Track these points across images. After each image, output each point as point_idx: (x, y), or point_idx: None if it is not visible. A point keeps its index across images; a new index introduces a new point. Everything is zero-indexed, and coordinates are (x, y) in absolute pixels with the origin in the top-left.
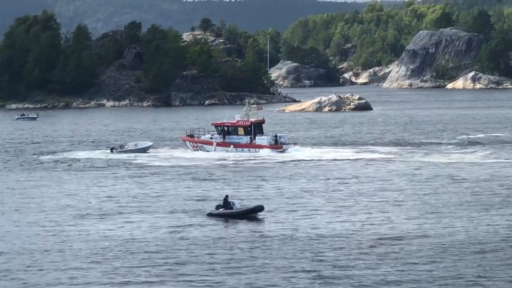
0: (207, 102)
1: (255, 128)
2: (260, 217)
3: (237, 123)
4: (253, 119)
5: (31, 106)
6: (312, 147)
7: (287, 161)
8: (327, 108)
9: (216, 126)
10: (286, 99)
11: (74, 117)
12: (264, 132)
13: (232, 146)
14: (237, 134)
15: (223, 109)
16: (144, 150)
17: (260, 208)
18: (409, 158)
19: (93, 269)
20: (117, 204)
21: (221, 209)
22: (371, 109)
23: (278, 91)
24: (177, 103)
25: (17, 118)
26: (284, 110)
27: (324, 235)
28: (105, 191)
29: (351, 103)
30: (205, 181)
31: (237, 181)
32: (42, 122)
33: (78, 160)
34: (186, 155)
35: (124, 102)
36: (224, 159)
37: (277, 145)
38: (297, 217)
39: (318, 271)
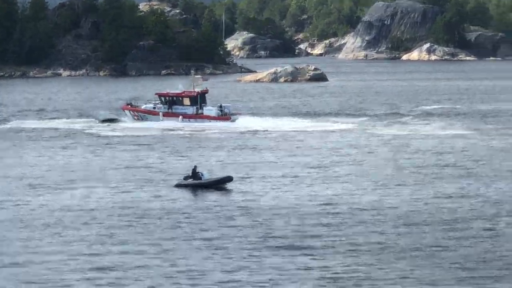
0: (163, 72)
1: (201, 99)
2: (228, 187)
3: (183, 94)
4: (198, 90)
5: None
6: (266, 118)
7: (243, 131)
8: (282, 79)
9: (161, 96)
10: (242, 69)
11: (32, 86)
12: (207, 102)
13: (181, 117)
14: (183, 105)
15: (180, 79)
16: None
17: (229, 179)
18: (364, 129)
19: (53, 240)
20: (78, 175)
21: (189, 180)
22: (326, 80)
23: (234, 62)
24: (134, 73)
25: None
26: (240, 80)
27: (288, 205)
28: (64, 162)
29: (307, 74)
30: (165, 152)
31: (198, 152)
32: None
33: (35, 129)
34: (142, 125)
35: (81, 72)
36: (179, 130)
37: (224, 115)
38: (264, 187)
39: (283, 240)
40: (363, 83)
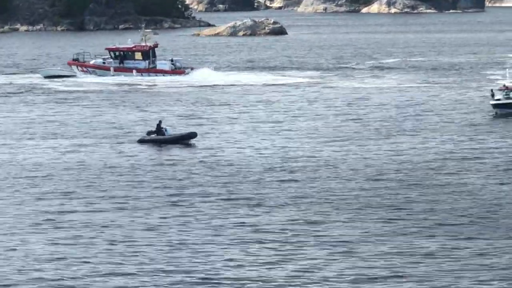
0: (121, 26)
1: (152, 53)
2: (192, 143)
3: (134, 48)
4: (150, 44)
5: None
6: (224, 72)
7: (201, 85)
8: (241, 33)
9: (111, 50)
10: (201, 23)
11: None
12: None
13: (135, 71)
14: (134, 59)
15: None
16: None
17: (193, 135)
18: (322, 82)
19: (10, 197)
20: (36, 131)
21: (153, 135)
22: (286, 33)
23: (193, 16)
24: (91, 28)
25: None
26: (199, 34)
27: (250, 161)
28: (20, 118)
29: (266, 28)
30: (124, 108)
31: (158, 107)
32: None
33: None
34: (94, 80)
35: (38, 27)
36: (134, 84)
37: (177, 69)
38: (227, 143)
39: (244, 196)
40: (322, 36)
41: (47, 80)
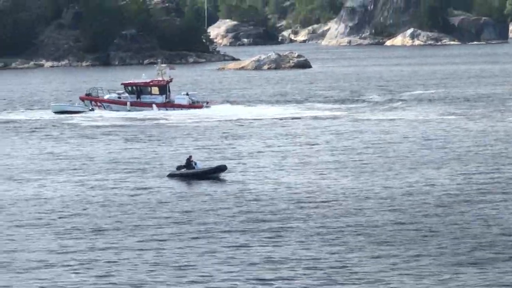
0: (146, 61)
1: (168, 88)
2: (222, 177)
3: (151, 83)
4: (166, 79)
5: None
6: (250, 105)
7: (224, 119)
8: (266, 66)
9: (127, 85)
10: (225, 57)
11: (17, 77)
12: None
13: (154, 105)
14: (151, 94)
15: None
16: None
17: (223, 168)
18: (350, 115)
19: (39, 233)
20: (65, 165)
21: (183, 170)
22: (310, 66)
23: (217, 50)
24: (116, 63)
25: None
26: (224, 68)
27: (282, 193)
28: (46, 152)
29: (291, 61)
30: (151, 142)
31: (185, 141)
32: None
33: (25, 120)
34: (113, 114)
35: (63, 62)
36: (156, 119)
37: (194, 104)
38: (258, 176)
39: (275, 229)
40: (347, 69)
41: (62, 115)
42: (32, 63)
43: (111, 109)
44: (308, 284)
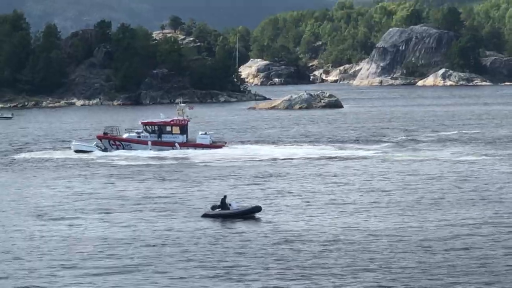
0: (177, 100)
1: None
2: (257, 217)
3: (172, 122)
4: (186, 118)
5: (0, 105)
6: (279, 145)
7: (256, 160)
8: (297, 106)
9: (147, 124)
10: (257, 97)
11: (49, 116)
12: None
13: (177, 144)
14: (172, 133)
15: (195, 107)
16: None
17: (258, 209)
18: (382, 155)
19: (74, 273)
20: (98, 205)
21: (217, 210)
22: (341, 106)
23: (249, 89)
24: (148, 102)
25: None
26: (255, 107)
27: (317, 235)
28: (78, 192)
29: (322, 101)
30: (183, 182)
31: (216, 182)
32: (17, 121)
33: (57, 159)
34: (135, 154)
35: (95, 101)
36: (184, 159)
37: (215, 143)
38: (293, 217)
39: (309, 270)
40: (379, 109)
41: (81, 154)
42: (63, 102)
43: (131, 148)
44: None
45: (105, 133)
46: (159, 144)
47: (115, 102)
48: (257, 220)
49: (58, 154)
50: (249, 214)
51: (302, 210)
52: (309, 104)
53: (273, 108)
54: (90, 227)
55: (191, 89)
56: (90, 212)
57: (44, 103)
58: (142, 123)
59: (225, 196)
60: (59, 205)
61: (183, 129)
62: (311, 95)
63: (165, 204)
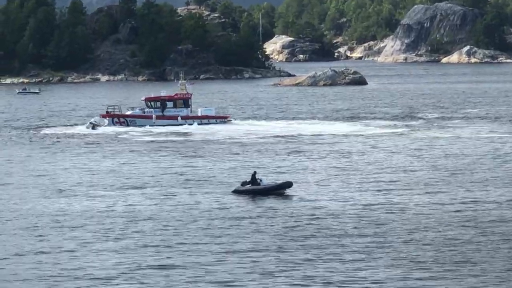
0: (202, 76)
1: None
2: (288, 193)
3: (175, 96)
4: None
5: (26, 81)
6: (311, 121)
7: (278, 136)
8: (322, 82)
9: (151, 100)
10: (281, 73)
11: (75, 92)
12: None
13: (179, 117)
14: (176, 107)
15: (220, 83)
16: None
17: (289, 185)
18: (407, 132)
19: (107, 248)
20: (126, 181)
21: (247, 186)
22: (366, 83)
23: (273, 66)
24: (172, 78)
25: (19, 93)
26: (279, 84)
27: (350, 211)
28: (109, 168)
29: (346, 77)
30: (208, 158)
31: (242, 157)
32: (44, 97)
33: (84, 134)
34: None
35: (119, 77)
36: (210, 134)
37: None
38: (323, 193)
39: (343, 248)
40: (403, 86)
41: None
42: (88, 77)
43: (135, 124)
44: None
45: (107, 112)
46: (163, 118)
47: (139, 78)
48: (288, 196)
49: (81, 130)
50: (279, 190)
51: (331, 187)
52: (333, 80)
53: (297, 84)
54: (116, 203)
55: (215, 65)
56: (115, 188)
57: (69, 79)
58: (145, 98)
59: (255, 172)
60: (84, 181)
61: (187, 103)
62: (335, 71)
63: (194, 181)
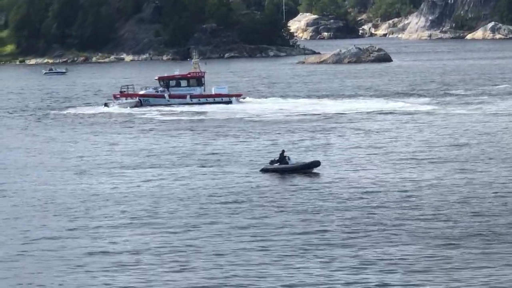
0: (226, 55)
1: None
2: (316, 172)
3: (189, 75)
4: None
5: (50, 61)
6: (336, 99)
7: (304, 114)
8: (346, 60)
9: (164, 79)
10: (306, 51)
11: (100, 71)
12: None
13: (188, 96)
14: (189, 86)
15: (243, 62)
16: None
17: (317, 164)
18: (433, 109)
19: (131, 229)
20: (151, 161)
21: (276, 164)
22: (390, 60)
23: (297, 44)
24: (197, 57)
25: (46, 73)
26: (304, 62)
27: (378, 189)
28: (135, 147)
29: (371, 55)
30: (235, 137)
31: (270, 136)
32: (71, 76)
33: (106, 114)
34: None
35: (144, 56)
36: (238, 112)
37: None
38: (352, 172)
39: (372, 228)
40: (428, 63)
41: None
42: (112, 57)
43: (149, 103)
44: (404, 282)
45: (121, 91)
46: (177, 97)
47: (164, 57)
48: (316, 174)
49: (106, 109)
50: (307, 168)
51: (358, 165)
52: (358, 58)
53: (322, 62)
54: (142, 183)
55: (240, 43)
56: (142, 167)
57: (93, 59)
58: (158, 77)
59: (283, 151)
60: (109, 161)
61: (200, 81)
62: (360, 49)
63: (222, 159)
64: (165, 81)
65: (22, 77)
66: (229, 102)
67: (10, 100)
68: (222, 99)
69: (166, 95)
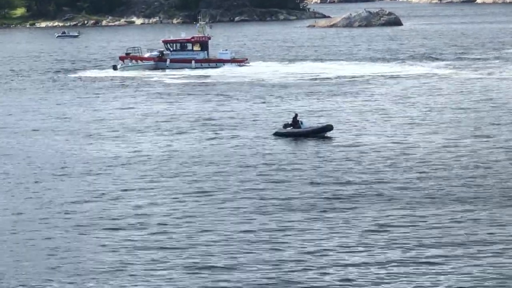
0: (237, 18)
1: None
2: (328, 136)
3: (193, 39)
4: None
5: (61, 24)
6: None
7: (320, 78)
8: (357, 24)
9: (168, 42)
10: (316, 15)
11: (114, 34)
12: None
13: (193, 62)
14: (193, 50)
15: (254, 25)
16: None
17: (330, 128)
18: (442, 73)
19: (141, 193)
20: (163, 125)
21: (289, 128)
22: (401, 24)
23: (308, 7)
24: (207, 20)
25: (58, 36)
26: (314, 25)
27: (390, 153)
28: (145, 110)
29: (381, 19)
30: (250, 100)
31: (283, 100)
32: (83, 40)
33: (117, 78)
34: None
35: (154, 19)
36: (250, 75)
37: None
38: (364, 136)
39: (382, 191)
40: (438, 26)
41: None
42: (123, 20)
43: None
44: (421, 244)
45: (127, 53)
46: (180, 61)
47: (174, 20)
48: (329, 138)
49: (116, 73)
50: (320, 132)
51: (371, 129)
52: (368, 22)
53: (332, 26)
54: (154, 147)
55: (250, 7)
56: (154, 131)
57: (104, 22)
58: (163, 41)
59: (296, 114)
60: (120, 125)
61: (204, 46)
62: (370, 12)
63: (235, 123)
64: (170, 44)
65: (34, 40)
66: (237, 66)
67: (23, 63)
68: (224, 64)
69: (168, 60)
